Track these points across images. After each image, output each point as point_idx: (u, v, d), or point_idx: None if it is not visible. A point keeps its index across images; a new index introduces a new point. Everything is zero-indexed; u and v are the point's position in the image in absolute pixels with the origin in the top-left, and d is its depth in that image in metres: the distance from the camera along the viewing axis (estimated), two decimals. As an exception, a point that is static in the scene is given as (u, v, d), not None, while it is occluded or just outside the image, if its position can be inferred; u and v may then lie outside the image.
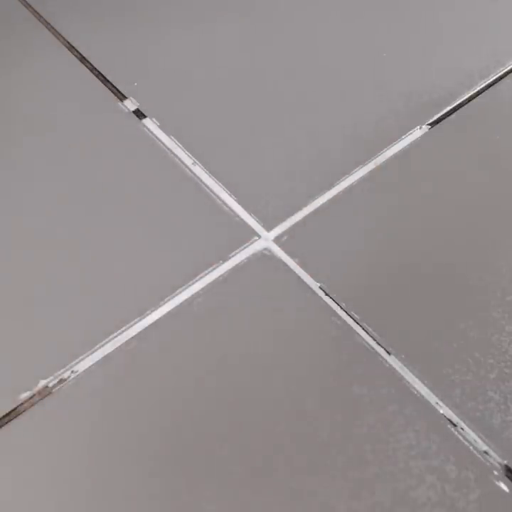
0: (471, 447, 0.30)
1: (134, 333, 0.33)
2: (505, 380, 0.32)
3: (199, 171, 0.39)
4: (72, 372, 0.32)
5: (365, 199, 0.39)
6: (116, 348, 0.33)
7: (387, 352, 0.33)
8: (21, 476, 0.29)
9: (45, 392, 0.31)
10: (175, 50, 0.45)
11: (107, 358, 0.32)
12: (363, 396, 0.32)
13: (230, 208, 0.38)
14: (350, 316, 0.34)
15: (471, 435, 0.30)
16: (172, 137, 0.40)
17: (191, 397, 0.31)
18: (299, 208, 0.38)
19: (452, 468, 0.30)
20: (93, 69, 0.44)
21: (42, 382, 0.32)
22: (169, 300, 0.34)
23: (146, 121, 0.41)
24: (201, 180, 0.39)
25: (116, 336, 0.33)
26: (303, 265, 0.36)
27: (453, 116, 0.42)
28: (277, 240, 0.37)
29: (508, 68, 0.45)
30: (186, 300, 0.34)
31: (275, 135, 0.41)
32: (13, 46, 0.44)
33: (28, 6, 0.47)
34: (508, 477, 0.29)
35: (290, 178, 0.39)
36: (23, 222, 0.37)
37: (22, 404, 0.31)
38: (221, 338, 0.33)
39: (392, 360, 0.33)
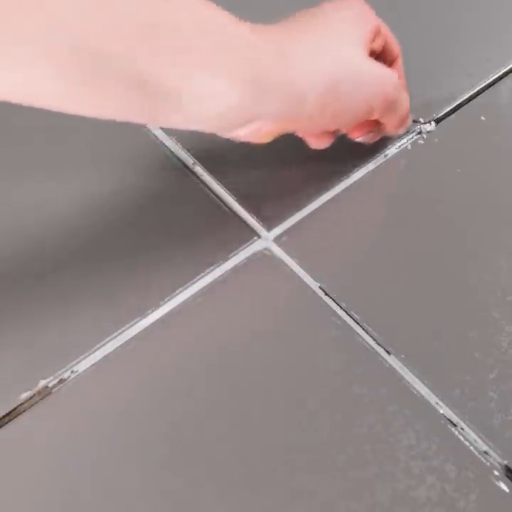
0: (471, 447, 0.30)
1: (134, 333, 0.33)
2: (505, 380, 0.32)
3: (200, 171, 0.39)
4: (72, 372, 0.32)
5: (365, 199, 0.39)
6: (116, 348, 0.33)
7: (387, 352, 0.33)
8: (21, 476, 0.29)
9: (45, 392, 0.31)
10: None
11: (106, 358, 0.32)
12: (363, 396, 0.32)
13: (229, 208, 0.38)
14: (350, 316, 0.34)
15: (471, 435, 0.30)
16: (173, 138, 0.40)
17: (191, 397, 0.31)
18: (299, 208, 0.38)
19: (452, 468, 0.30)
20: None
21: (42, 382, 0.32)
22: (169, 300, 0.34)
23: (146, 122, 0.41)
24: (202, 181, 0.39)
25: (116, 336, 0.33)
26: (303, 265, 0.36)
27: (453, 116, 0.42)
28: (277, 240, 0.37)
29: (508, 68, 0.45)
30: (186, 300, 0.34)
31: (275, 135, 0.41)
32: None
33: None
34: (508, 477, 0.29)
35: (290, 178, 0.39)
36: (20, 219, 0.37)
37: (22, 404, 0.31)
38: (221, 338, 0.33)
39: (392, 360, 0.33)
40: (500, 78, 0.44)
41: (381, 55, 0.36)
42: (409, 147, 0.41)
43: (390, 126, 0.36)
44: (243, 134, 0.30)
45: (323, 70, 0.30)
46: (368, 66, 0.32)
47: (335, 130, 0.36)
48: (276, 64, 0.28)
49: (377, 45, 0.34)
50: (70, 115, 0.26)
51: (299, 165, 0.39)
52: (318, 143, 0.36)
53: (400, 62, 0.37)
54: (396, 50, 0.36)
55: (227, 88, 0.27)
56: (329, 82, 0.30)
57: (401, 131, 0.39)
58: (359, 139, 0.38)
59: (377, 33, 0.34)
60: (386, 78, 0.33)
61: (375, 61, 0.32)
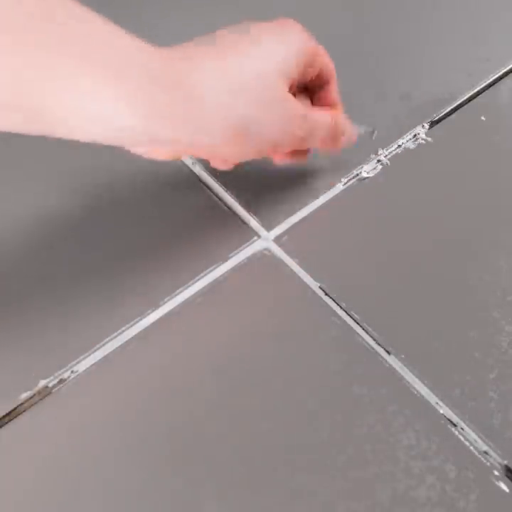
0: (471, 447, 0.30)
1: (134, 333, 0.33)
2: (505, 380, 0.32)
3: (200, 171, 0.39)
4: (72, 372, 0.32)
5: (366, 199, 0.39)
6: (116, 348, 0.33)
7: (387, 352, 0.33)
8: (21, 476, 0.29)
9: (45, 392, 0.31)
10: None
11: (106, 358, 0.32)
12: (363, 396, 0.32)
13: (229, 208, 0.38)
14: (350, 316, 0.34)
15: (471, 435, 0.30)
16: (172, 137, 0.40)
17: (191, 397, 0.31)
18: (299, 208, 0.38)
19: (452, 468, 0.30)
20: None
21: (42, 382, 0.32)
22: (169, 300, 0.34)
23: (146, 122, 0.41)
24: (201, 180, 0.39)
25: (116, 336, 0.33)
26: (303, 265, 0.36)
27: (453, 116, 0.43)
28: (277, 240, 0.37)
29: (508, 68, 0.45)
30: (186, 300, 0.34)
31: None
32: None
33: None
34: (508, 477, 0.29)
35: (290, 178, 0.39)
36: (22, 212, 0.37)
37: (22, 404, 0.31)
38: (221, 338, 0.33)
39: (392, 360, 0.33)
40: (500, 78, 0.44)
41: (314, 80, 0.33)
42: (411, 147, 0.41)
43: (317, 146, 0.33)
44: (140, 152, 0.30)
45: (234, 112, 0.27)
46: (281, 106, 0.29)
47: None
48: (173, 93, 0.26)
49: (311, 73, 0.32)
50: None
51: (299, 165, 0.39)
52: (221, 165, 0.34)
53: (333, 85, 0.34)
54: (331, 73, 0.34)
55: (116, 109, 0.24)
56: (239, 125, 0.28)
57: (344, 144, 0.35)
58: (283, 162, 0.35)
59: (314, 58, 0.31)
60: (294, 119, 0.30)
61: (289, 97, 0.30)
